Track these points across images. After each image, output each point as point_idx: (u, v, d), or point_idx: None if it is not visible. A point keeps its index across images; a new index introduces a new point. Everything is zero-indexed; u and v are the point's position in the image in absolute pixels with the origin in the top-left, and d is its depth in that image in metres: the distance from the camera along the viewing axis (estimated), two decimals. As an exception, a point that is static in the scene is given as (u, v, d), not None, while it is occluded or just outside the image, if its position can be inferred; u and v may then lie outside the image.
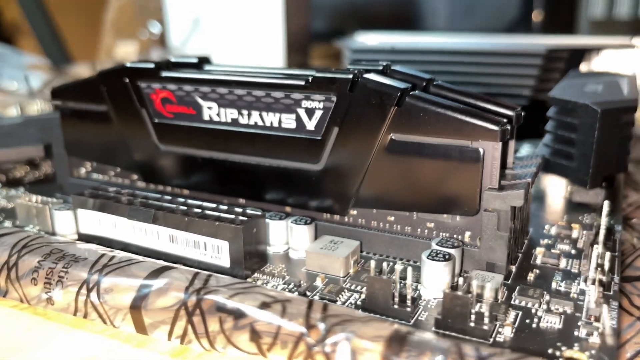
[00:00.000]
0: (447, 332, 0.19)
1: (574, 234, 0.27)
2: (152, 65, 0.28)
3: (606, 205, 0.25)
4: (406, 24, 1.13)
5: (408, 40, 0.52)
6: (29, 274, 0.22)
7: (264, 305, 0.17)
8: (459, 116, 0.22)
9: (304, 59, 0.84)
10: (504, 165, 0.23)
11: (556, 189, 0.33)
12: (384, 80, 0.23)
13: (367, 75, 0.24)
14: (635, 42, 0.47)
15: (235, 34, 0.83)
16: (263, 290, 0.18)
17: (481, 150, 0.22)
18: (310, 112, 0.25)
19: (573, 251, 0.25)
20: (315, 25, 0.98)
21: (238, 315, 0.17)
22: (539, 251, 0.25)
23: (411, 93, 0.23)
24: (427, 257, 0.22)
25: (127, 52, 0.74)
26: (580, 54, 0.44)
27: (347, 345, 0.16)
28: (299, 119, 0.25)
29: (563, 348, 0.18)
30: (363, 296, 0.22)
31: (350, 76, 0.23)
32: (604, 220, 0.24)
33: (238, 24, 0.83)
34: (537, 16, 1.09)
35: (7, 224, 0.29)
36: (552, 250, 0.25)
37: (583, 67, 0.44)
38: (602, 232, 0.23)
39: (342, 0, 1.17)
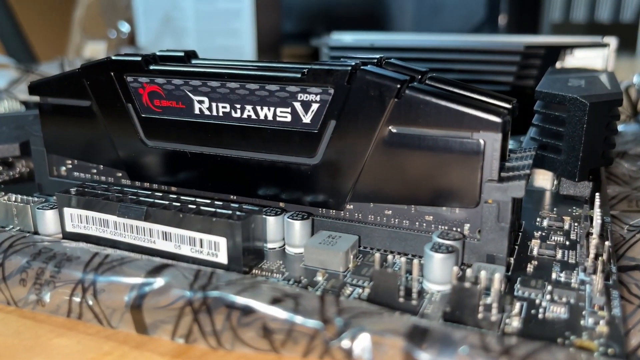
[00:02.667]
0: (455, 325, 0.19)
1: (566, 226, 0.27)
2: (139, 59, 0.27)
3: (598, 197, 0.25)
4: (374, 26, 1.13)
5: (386, 39, 0.52)
6: (16, 275, 0.21)
7: (275, 301, 0.17)
8: (461, 108, 0.22)
9: (275, 59, 0.84)
10: (502, 157, 0.23)
11: (542, 182, 0.33)
12: (382, 72, 0.23)
13: (365, 67, 0.23)
14: (607, 41, 0.48)
15: (205, 34, 0.82)
16: (271, 284, 0.18)
17: (482, 142, 0.22)
18: (306, 105, 0.24)
19: (567, 242, 0.26)
20: (284, 28, 0.98)
21: (248, 311, 0.17)
22: (535, 243, 0.25)
23: (410, 85, 0.23)
24: (431, 250, 0.22)
25: (95, 51, 0.72)
26: (555, 52, 0.45)
27: (367, 339, 0.15)
28: (294, 112, 0.24)
29: (572, 337, 0.18)
30: (367, 290, 0.21)
31: (349, 68, 0.23)
32: (597, 212, 0.24)
33: (208, 23, 0.82)
34: (502, 19, 1.11)
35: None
36: (548, 242, 0.26)
37: (558, 65, 0.45)
38: (597, 223, 0.23)
39: (309, 2, 1.17)
